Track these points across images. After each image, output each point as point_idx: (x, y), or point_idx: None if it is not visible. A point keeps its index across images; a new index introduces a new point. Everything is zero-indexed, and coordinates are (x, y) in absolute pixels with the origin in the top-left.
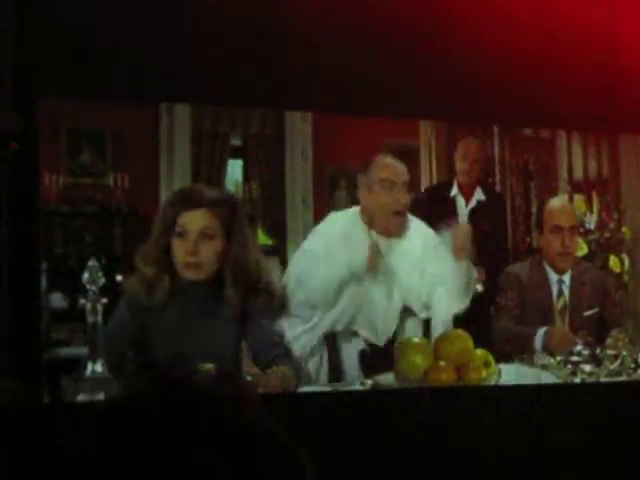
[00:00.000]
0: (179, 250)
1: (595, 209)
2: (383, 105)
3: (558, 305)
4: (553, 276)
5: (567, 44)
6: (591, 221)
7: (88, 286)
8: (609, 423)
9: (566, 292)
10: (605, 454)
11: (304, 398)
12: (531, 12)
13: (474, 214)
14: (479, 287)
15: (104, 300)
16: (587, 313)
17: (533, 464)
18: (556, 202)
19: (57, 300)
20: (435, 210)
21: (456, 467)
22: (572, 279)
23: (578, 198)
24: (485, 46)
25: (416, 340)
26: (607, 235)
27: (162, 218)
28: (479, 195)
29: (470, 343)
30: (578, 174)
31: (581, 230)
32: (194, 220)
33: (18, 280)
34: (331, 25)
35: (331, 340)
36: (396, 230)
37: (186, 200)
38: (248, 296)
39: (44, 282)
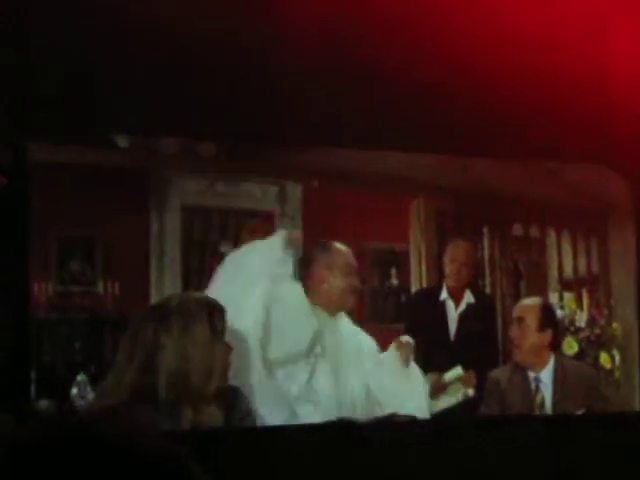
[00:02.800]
0: (225, 361)
1: (585, 306)
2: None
3: (536, 403)
4: (530, 374)
5: (563, 83)
6: (581, 319)
7: (77, 401)
8: None
9: (543, 389)
10: None
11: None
12: (531, 52)
13: (464, 317)
14: (470, 391)
15: None
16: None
17: None
18: (526, 299)
19: (46, 408)
20: (424, 314)
21: None
22: (554, 377)
23: (568, 296)
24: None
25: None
26: (597, 332)
27: (210, 335)
28: (469, 298)
29: None
30: (568, 272)
31: (571, 328)
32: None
33: (7, 388)
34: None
35: None
36: (346, 309)
37: (222, 309)
38: None
39: (33, 390)
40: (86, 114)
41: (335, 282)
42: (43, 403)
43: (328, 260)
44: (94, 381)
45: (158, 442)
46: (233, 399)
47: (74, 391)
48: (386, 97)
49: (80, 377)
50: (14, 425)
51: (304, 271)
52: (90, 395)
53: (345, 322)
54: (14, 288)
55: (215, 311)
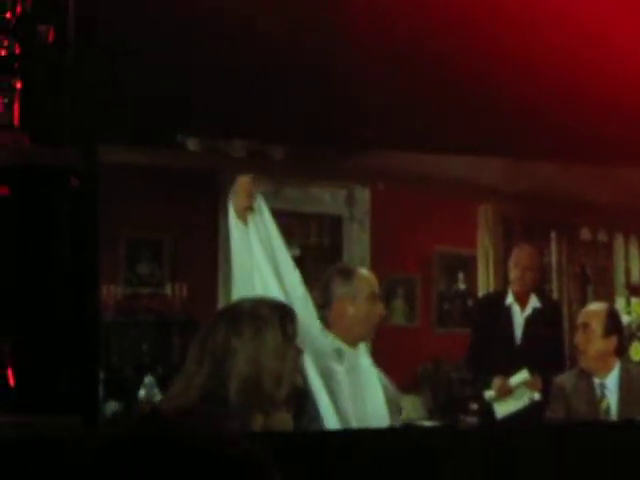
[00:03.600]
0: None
1: None
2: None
3: (601, 409)
4: (595, 380)
5: (618, 79)
6: None
7: (144, 404)
8: None
9: (609, 395)
10: None
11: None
12: (601, 53)
13: (530, 321)
14: (536, 395)
15: None
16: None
17: None
18: (591, 305)
19: (113, 409)
20: (490, 318)
21: None
22: (619, 383)
23: (635, 302)
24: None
25: None
26: None
27: (282, 339)
28: (534, 302)
29: None
30: (635, 277)
31: (638, 334)
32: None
33: (77, 390)
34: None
35: None
36: (368, 339)
37: (293, 313)
38: None
39: (102, 391)
40: (156, 116)
41: (357, 313)
42: (111, 405)
43: (349, 289)
44: (161, 383)
45: (239, 445)
46: (302, 402)
47: (141, 393)
48: (452, 99)
49: (147, 379)
50: (82, 426)
51: (323, 300)
52: (157, 397)
53: (364, 353)
54: (84, 290)
55: (286, 315)
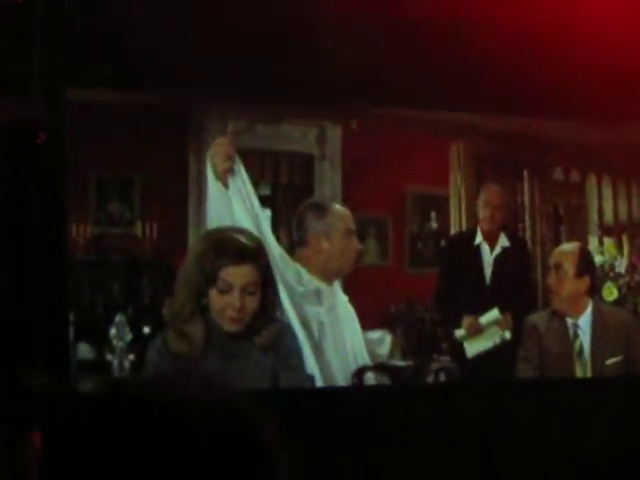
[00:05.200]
0: (221, 304)
1: (626, 252)
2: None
3: (574, 349)
4: (568, 320)
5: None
6: (621, 265)
7: (115, 342)
8: None
9: (582, 336)
10: None
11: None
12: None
13: (499, 260)
14: (507, 334)
15: (131, 356)
16: (610, 362)
17: None
18: (563, 245)
19: (84, 351)
20: (460, 258)
21: None
22: (592, 324)
23: (608, 242)
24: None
25: None
26: (638, 278)
27: (198, 270)
28: (503, 241)
29: None
30: (608, 217)
31: (611, 274)
32: (239, 277)
33: (47, 330)
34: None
35: None
36: (344, 275)
37: (228, 253)
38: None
39: (71, 332)
40: (124, 64)
41: (333, 249)
42: (83, 347)
43: (324, 225)
44: (132, 323)
45: (221, 407)
46: (281, 333)
47: (112, 331)
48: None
49: (118, 317)
50: (55, 386)
51: (298, 237)
52: (128, 336)
53: (341, 291)
54: (52, 230)
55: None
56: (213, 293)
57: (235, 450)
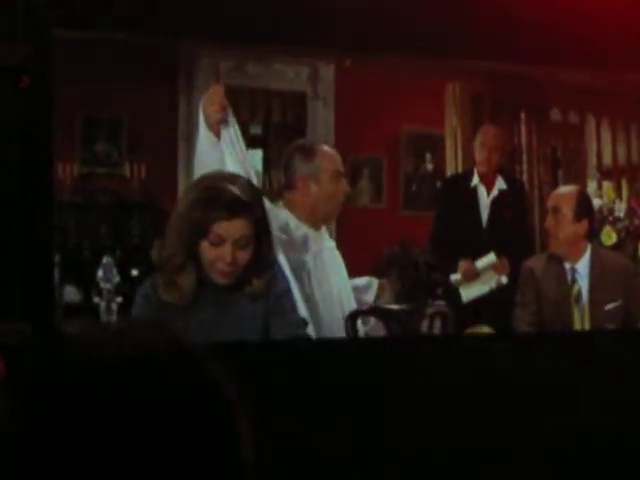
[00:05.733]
0: (212, 257)
1: (624, 196)
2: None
3: (572, 294)
4: (566, 264)
5: None
6: (620, 209)
7: (102, 284)
8: None
9: (580, 280)
10: None
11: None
12: None
13: (496, 203)
14: (503, 279)
15: (119, 299)
16: (609, 307)
17: None
18: (561, 188)
19: (70, 294)
20: (456, 201)
21: None
22: (590, 268)
23: (607, 185)
24: None
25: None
26: (637, 222)
27: (191, 221)
28: (500, 184)
29: None
30: (607, 160)
31: (610, 218)
32: (232, 230)
33: (31, 273)
34: None
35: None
36: (332, 221)
37: (220, 206)
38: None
39: (57, 275)
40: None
41: (321, 192)
42: (69, 289)
43: (312, 167)
44: (120, 265)
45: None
46: (272, 280)
47: (100, 274)
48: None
49: (106, 259)
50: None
51: (286, 180)
52: (116, 278)
53: (328, 237)
54: (37, 169)
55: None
56: (204, 245)
57: (189, 404)
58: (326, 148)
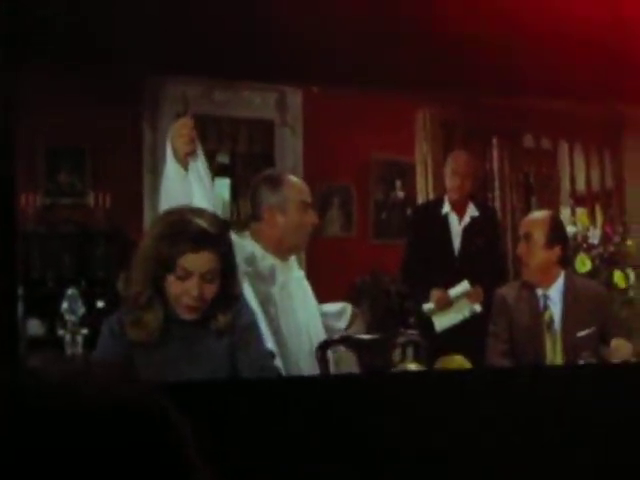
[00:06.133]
0: (178, 291)
1: (598, 223)
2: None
3: (544, 321)
4: (538, 291)
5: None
6: (594, 236)
7: (67, 316)
8: None
9: (552, 307)
10: None
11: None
12: None
13: (468, 231)
14: (477, 307)
15: (84, 331)
16: (581, 334)
17: None
18: (533, 214)
19: (34, 327)
20: (427, 229)
21: None
22: (563, 295)
23: (581, 212)
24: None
25: (412, 367)
26: (611, 249)
27: (157, 255)
28: (472, 211)
29: (468, 367)
30: (580, 186)
31: (584, 245)
32: (198, 264)
33: None
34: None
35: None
36: (300, 251)
37: (187, 239)
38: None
39: (21, 308)
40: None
41: (288, 223)
42: (32, 322)
43: (279, 198)
44: (85, 296)
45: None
46: (237, 315)
47: (64, 305)
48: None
49: (70, 291)
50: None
51: (253, 211)
52: (81, 310)
53: (296, 267)
54: (0, 201)
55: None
56: (170, 279)
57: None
58: (293, 178)
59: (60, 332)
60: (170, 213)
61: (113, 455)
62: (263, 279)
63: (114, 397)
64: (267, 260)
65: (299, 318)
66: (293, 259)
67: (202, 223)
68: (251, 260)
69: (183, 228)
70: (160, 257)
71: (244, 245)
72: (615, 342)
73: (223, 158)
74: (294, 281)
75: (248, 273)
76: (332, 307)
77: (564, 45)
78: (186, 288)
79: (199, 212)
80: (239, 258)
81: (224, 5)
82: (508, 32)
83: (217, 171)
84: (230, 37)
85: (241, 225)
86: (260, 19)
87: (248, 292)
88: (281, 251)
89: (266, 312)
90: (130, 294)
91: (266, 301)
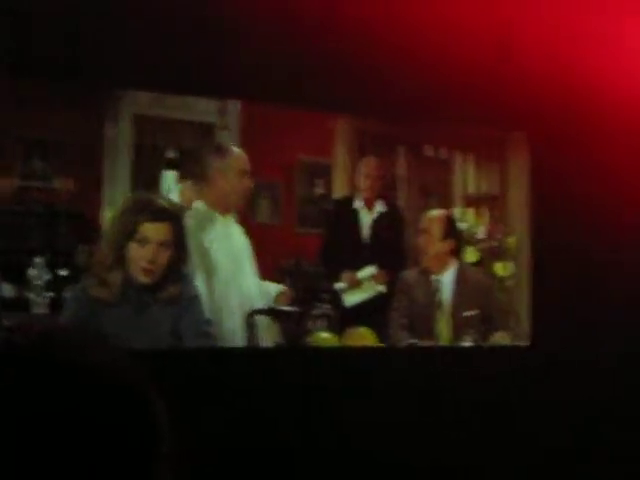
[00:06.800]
0: (137, 255)
1: (485, 221)
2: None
3: (436, 301)
4: (433, 277)
5: (460, 44)
6: (481, 232)
7: (35, 281)
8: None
9: (444, 290)
10: None
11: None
12: (426, 14)
13: (376, 224)
14: (381, 288)
15: (49, 294)
16: (466, 314)
17: None
18: (431, 212)
19: (7, 290)
20: (342, 221)
21: None
22: (454, 281)
23: (470, 211)
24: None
25: (324, 335)
26: (495, 244)
27: (122, 223)
28: (380, 207)
29: (373, 339)
30: (471, 191)
31: (472, 240)
32: (156, 232)
33: None
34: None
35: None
36: (238, 209)
37: (148, 211)
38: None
39: None
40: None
41: (229, 186)
42: (5, 286)
43: (223, 164)
44: (50, 264)
45: (113, 367)
46: (179, 282)
47: (33, 272)
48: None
49: (38, 260)
50: None
51: (200, 173)
52: (46, 276)
53: (234, 222)
54: None
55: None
56: (132, 245)
57: (124, 416)
58: (236, 149)
59: (29, 295)
60: (135, 194)
61: (89, 417)
62: (203, 229)
63: (91, 361)
64: (209, 212)
65: (244, 267)
66: (231, 216)
67: (162, 202)
68: (195, 213)
69: (146, 203)
70: (123, 225)
71: (195, 204)
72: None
73: (171, 153)
74: (235, 234)
75: (193, 224)
76: (272, 286)
77: (452, 74)
78: (144, 253)
79: (160, 196)
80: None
81: (175, 29)
82: (407, 64)
83: (166, 164)
84: (179, 58)
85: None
86: (204, 43)
87: (191, 244)
88: (222, 208)
89: (207, 283)
90: (97, 259)
91: (209, 272)
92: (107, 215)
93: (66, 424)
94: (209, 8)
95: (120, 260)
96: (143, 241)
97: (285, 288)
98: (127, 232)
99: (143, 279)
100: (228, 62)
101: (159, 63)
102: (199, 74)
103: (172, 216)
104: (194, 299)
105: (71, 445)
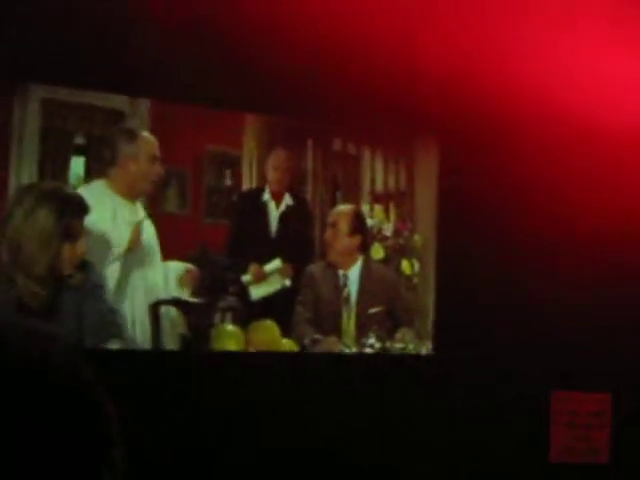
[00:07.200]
0: (70, 253)
1: (392, 218)
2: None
3: (342, 297)
4: (340, 271)
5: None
6: (388, 229)
7: None
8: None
9: (350, 285)
10: None
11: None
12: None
13: (284, 217)
14: (287, 282)
15: None
16: (372, 310)
17: None
18: (339, 207)
19: None
20: (249, 212)
21: None
22: (360, 276)
23: (377, 208)
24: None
25: (230, 328)
26: (401, 242)
27: (53, 224)
28: (288, 200)
29: (277, 333)
30: (379, 187)
31: (379, 236)
32: (83, 227)
33: None
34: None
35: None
36: (146, 195)
37: (78, 208)
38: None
39: None
40: None
41: (139, 171)
42: None
43: (133, 149)
44: None
45: (74, 370)
46: (86, 270)
47: None
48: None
49: None
50: None
51: (109, 158)
52: None
53: (141, 209)
54: None
55: (72, 209)
56: (64, 245)
57: (76, 417)
58: (146, 134)
59: None
60: (53, 190)
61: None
62: (108, 218)
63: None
64: (115, 200)
65: (153, 255)
66: (139, 203)
67: (77, 193)
68: (101, 199)
69: (73, 199)
70: (57, 227)
71: (97, 186)
72: (401, 332)
73: (80, 139)
74: (145, 221)
75: (97, 212)
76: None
77: (360, 77)
78: (77, 248)
79: (68, 187)
80: (92, 200)
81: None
82: (314, 65)
83: (74, 151)
84: (90, 54)
85: (100, 173)
86: (111, 41)
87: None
88: (130, 194)
89: (117, 271)
90: (29, 271)
91: (116, 238)
92: (16, 212)
93: (13, 425)
94: (114, 6)
95: (52, 264)
96: (76, 237)
97: (191, 266)
98: (61, 233)
99: (70, 271)
100: (134, 62)
101: (66, 59)
102: (105, 71)
103: (88, 207)
104: (98, 287)
105: (19, 447)
